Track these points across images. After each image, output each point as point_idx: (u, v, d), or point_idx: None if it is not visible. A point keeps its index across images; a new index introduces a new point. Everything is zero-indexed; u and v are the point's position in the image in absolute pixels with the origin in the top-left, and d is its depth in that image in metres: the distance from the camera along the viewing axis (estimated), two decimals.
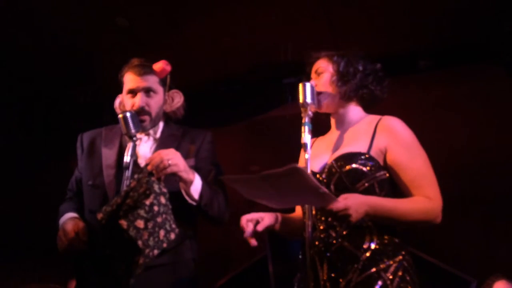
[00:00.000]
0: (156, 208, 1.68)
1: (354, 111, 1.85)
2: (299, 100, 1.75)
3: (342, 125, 1.86)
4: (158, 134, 2.04)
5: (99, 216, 1.65)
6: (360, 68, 1.82)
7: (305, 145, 1.66)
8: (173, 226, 1.73)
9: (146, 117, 1.97)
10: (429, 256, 4.24)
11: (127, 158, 1.77)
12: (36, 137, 4.07)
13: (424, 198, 1.64)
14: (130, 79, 2.00)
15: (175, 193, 1.81)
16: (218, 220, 1.96)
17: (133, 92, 1.98)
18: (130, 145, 1.80)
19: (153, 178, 1.70)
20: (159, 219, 1.68)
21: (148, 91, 1.98)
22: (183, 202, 1.85)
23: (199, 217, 2.00)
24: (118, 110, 2.06)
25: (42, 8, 3.12)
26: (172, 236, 1.71)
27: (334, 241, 1.64)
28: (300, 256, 1.78)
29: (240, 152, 4.40)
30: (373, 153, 1.69)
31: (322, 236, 1.68)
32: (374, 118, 1.80)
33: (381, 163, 1.69)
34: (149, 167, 1.71)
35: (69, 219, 1.90)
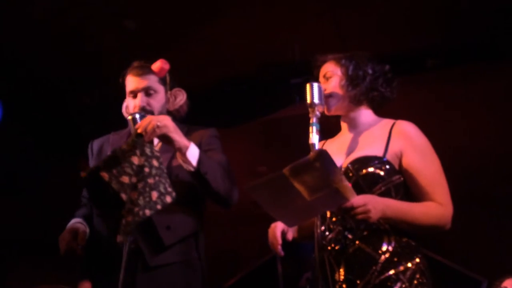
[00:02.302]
0: (147, 169, 1.68)
1: (366, 114, 1.85)
2: (306, 100, 1.74)
3: (355, 128, 1.85)
4: None
5: (82, 174, 1.66)
6: (370, 71, 1.81)
7: (313, 145, 1.65)
8: (169, 189, 1.71)
9: None
10: (439, 256, 4.22)
11: None
12: (43, 139, 4.10)
13: (437, 204, 1.65)
14: (130, 81, 2.01)
15: (182, 188, 1.79)
16: (224, 197, 1.87)
17: (134, 94, 1.99)
18: None
19: (145, 141, 1.70)
20: (150, 181, 1.67)
21: (148, 91, 1.98)
22: (190, 199, 1.85)
23: (205, 213, 1.98)
24: (125, 114, 2.06)
25: (50, 8, 3.14)
26: (168, 199, 1.69)
27: (352, 243, 1.64)
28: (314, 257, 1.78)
29: (248, 152, 4.39)
30: (388, 157, 1.69)
31: (338, 238, 1.68)
32: (387, 122, 1.80)
33: (396, 167, 1.70)
34: (139, 130, 1.71)
35: (72, 223, 1.94)
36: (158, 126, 1.71)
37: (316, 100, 1.72)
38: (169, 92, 2.06)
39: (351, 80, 1.80)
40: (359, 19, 3.27)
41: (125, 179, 1.65)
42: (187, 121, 2.10)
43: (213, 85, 3.84)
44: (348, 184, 1.48)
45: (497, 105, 3.77)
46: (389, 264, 1.59)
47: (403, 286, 1.56)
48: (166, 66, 1.96)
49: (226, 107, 3.85)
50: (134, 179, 1.66)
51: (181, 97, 2.08)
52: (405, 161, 1.69)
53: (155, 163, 1.71)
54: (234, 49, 3.54)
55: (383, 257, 1.60)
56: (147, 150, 1.70)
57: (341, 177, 1.47)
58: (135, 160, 1.68)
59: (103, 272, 1.87)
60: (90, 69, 3.67)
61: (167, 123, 1.74)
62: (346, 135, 1.87)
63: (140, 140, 1.70)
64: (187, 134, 2.00)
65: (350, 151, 1.78)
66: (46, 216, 4.14)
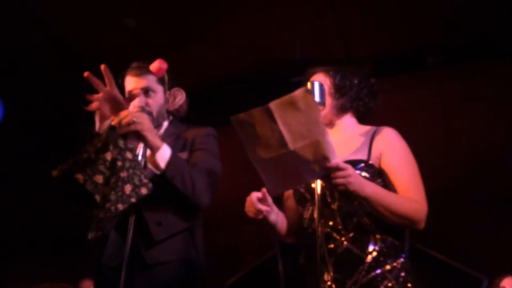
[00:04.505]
0: (119, 163, 1.66)
1: (350, 121, 1.94)
2: None
3: (337, 133, 1.92)
4: (161, 133, 2.03)
5: (54, 173, 1.65)
6: (356, 81, 1.92)
7: None
8: (145, 181, 1.67)
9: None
10: (440, 254, 4.22)
11: (140, 158, 1.76)
12: (45, 139, 4.10)
13: (412, 199, 1.69)
14: (129, 82, 2.02)
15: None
16: (192, 200, 1.83)
17: (132, 94, 1.98)
18: (141, 145, 1.79)
19: (119, 135, 1.68)
20: (123, 174, 1.65)
21: (147, 91, 1.99)
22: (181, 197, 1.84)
23: (202, 212, 1.97)
24: None
25: (52, 10, 3.14)
26: (144, 190, 1.66)
27: (340, 244, 1.70)
28: (300, 261, 1.84)
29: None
30: (372, 161, 1.76)
31: (326, 239, 1.72)
32: (370, 128, 1.88)
33: (378, 169, 1.77)
34: (113, 122, 1.70)
35: None
36: (133, 122, 1.70)
37: (317, 99, 1.73)
38: (168, 92, 2.06)
39: (338, 89, 1.90)
40: (360, 17, 3.28)
41: (99, 178, 1.63)
42: (187, 118, 2.10)
43: (213, 84, 3.84)
44: (330, 141, 1.51)
45: (497, 103, 3.77)
46: (375, 263, 1.66)
47: (390, 284, 1.63)
48: (164, 66, 1.96)
49: (226, 105, 3.85)
50: (108, 174, 1.64)
51: (180, 97, 2.08)
52: (384, 161, 1.76)
53: (128, 155, 1.69)
54: (234, 48, 3.55)
55: (369, 257, 1.67)
56: (121, 143, 1.68)
57: (324, 128, 1.50)
58: (108, 155, 1.66)
59: (105, 270, 1.87)
60: (91, 70, 3.67)
61: (143, 121, 1.74)
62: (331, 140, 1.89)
63: (113, 133, 1.68)
64: (184, 132, 2.00)
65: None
66: (46, 215, 4.15)
